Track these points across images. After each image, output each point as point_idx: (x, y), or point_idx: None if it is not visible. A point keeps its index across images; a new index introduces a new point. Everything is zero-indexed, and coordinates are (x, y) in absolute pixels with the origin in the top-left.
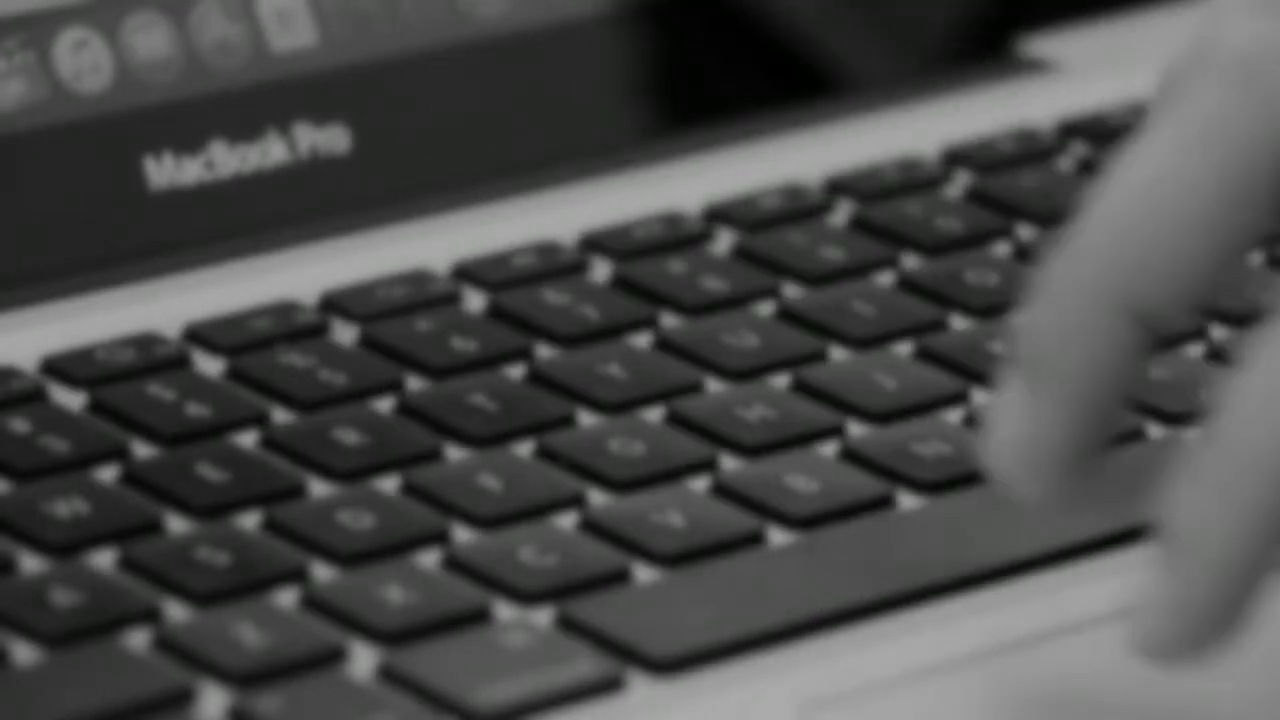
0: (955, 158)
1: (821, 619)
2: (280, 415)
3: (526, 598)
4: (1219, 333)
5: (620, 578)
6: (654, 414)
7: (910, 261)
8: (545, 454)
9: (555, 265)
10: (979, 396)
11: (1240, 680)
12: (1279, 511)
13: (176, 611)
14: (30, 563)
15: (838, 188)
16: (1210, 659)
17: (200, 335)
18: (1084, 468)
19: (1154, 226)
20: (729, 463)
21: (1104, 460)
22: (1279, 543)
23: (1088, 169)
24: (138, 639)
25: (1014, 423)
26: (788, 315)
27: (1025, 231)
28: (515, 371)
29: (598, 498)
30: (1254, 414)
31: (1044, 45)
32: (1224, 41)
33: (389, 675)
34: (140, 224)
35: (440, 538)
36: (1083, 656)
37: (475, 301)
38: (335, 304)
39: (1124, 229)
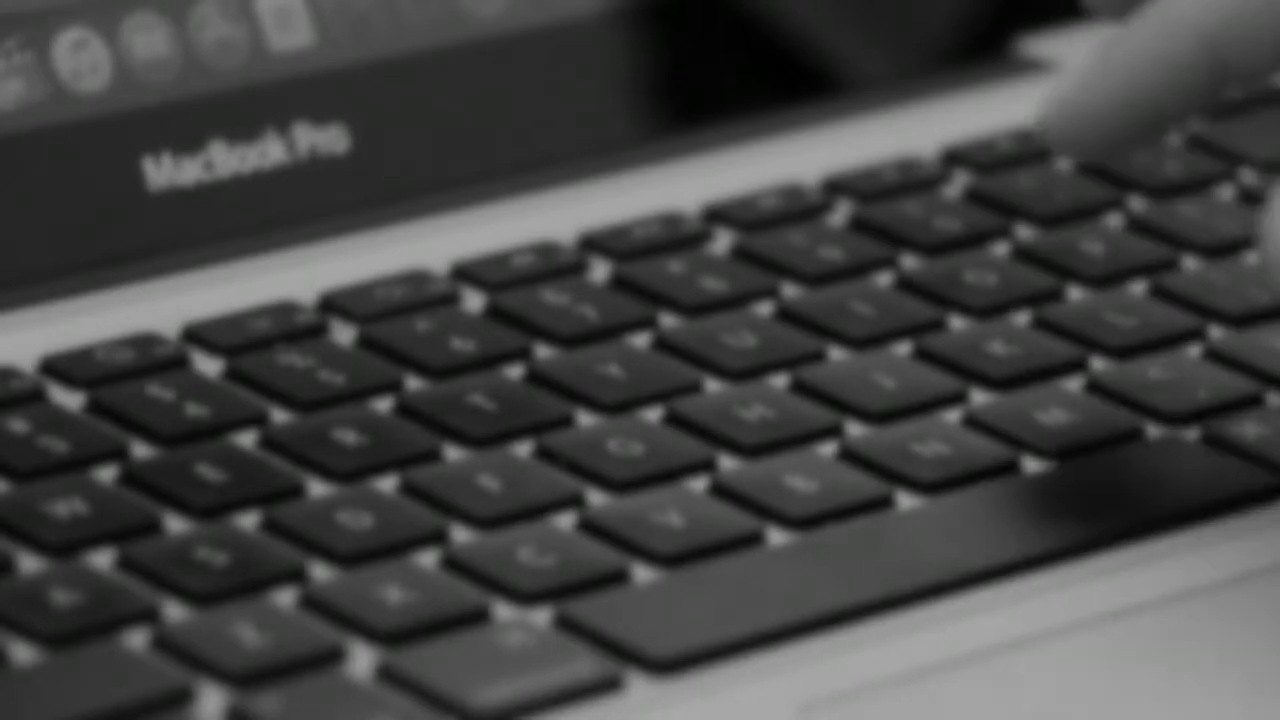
0: (954, 158)
1: (821, 619)
2: (279, 415)
3: (525, 598)
4: (1219, 333)
5: (619, 578)
6: (653, 414)
7: (909, 261)
8: (544, 454)
9: (554, 265)
10: (978, 396)
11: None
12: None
13: (175, 612)
14: (29, 563)
15: (837, 188)
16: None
17: (199, 335)
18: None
19: None
20: (728, 463)
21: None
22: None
23: (1087, 169)
24: (137, 639)
25: (1072, 87)
26: (786, 315)
27: (1024, 232)
28: (514, 372)
29: (597, 498)
30: None
31: (1043, 45)
32: None
33: (388, 675)
34: (139, 224)
35: (439, 538)
36: (1082, 656)
37: (474, 302)
38: (334, 304)
39: None
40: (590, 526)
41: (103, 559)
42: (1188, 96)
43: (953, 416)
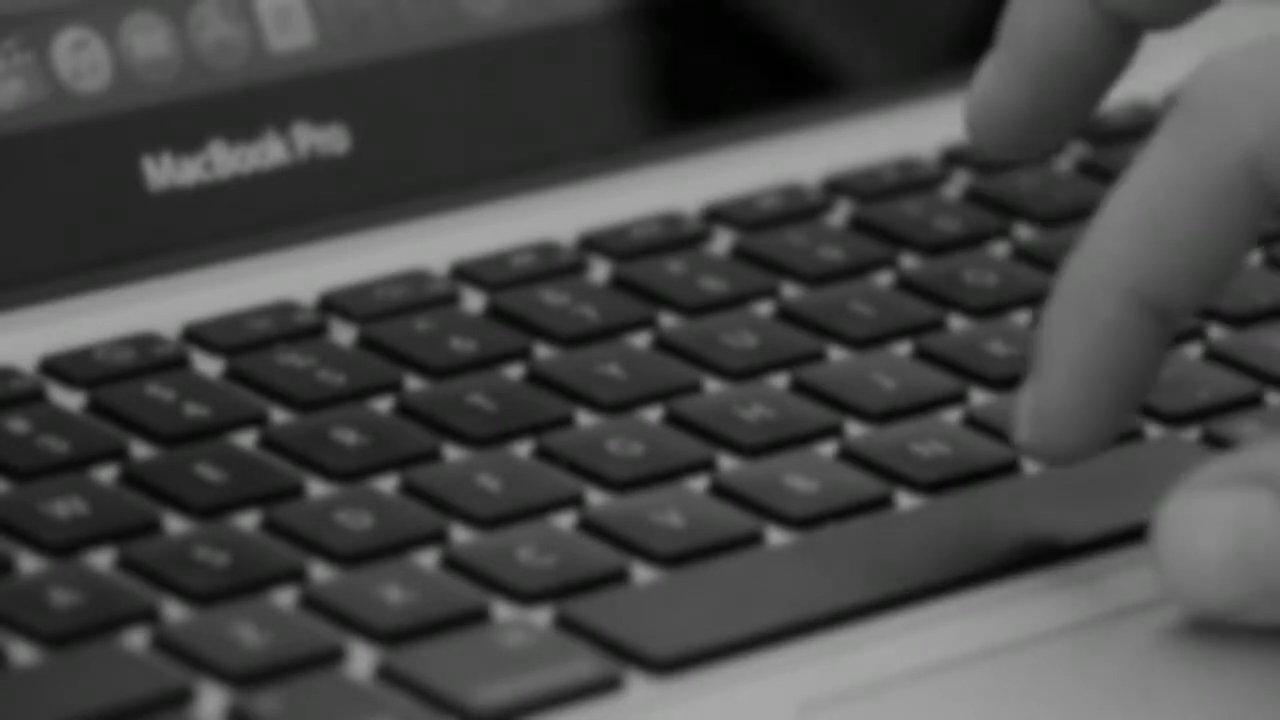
0: (954, 158)
1: (821, 619)
2: (279, 415)
3: (525, 598)
4: (1219, 333)
5: (619, 578)
6: (653, 414)
7: (909, 261)
8: (544, 454)
9: (554, 265)
10: (978, 396)
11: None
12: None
13: (175, 611)
14: (29, 563)
15: (836, 188)
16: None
17: (199, 335)
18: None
19: (1158, 220)
20: (728, 463)
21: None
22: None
23: (1087, 170)
24: (136, 639)
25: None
26: (786, 315)
27: (1023, 232)
28: (514, 372)
29: (596, 498)
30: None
31: None
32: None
33: (388, 675)
34: (139, 224)
35: (439, 538)
36: (1082, 656)
37: (474, 302)
38: (334, 304)
39: (1130, 224)
40: (590, 526)
41: (103, 559)
42: (1139, 361)
43: (953, 416)
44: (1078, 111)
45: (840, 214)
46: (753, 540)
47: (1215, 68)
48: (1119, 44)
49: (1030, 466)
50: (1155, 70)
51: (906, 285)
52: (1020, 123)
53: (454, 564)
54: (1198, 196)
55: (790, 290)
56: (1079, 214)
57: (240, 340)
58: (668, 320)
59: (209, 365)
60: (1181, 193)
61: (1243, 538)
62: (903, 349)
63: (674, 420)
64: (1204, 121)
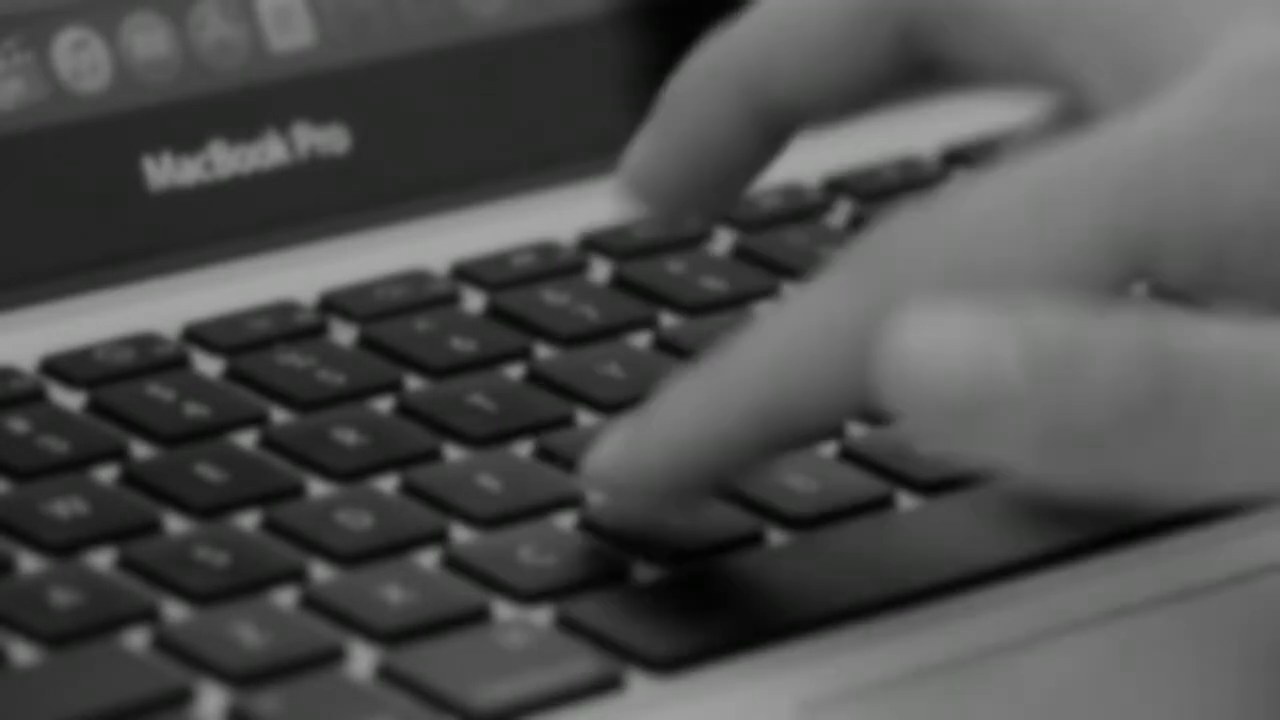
0: (954, 158)
1: (821, 619)
2: (279, 415)
3: (525, 598)
4: None
5: (619, 578)
6: None
7: None
8: (545, 454)
9: (554, 265)
10: None
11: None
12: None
13: (175, 611)
14: (29, 563)
15: (837, 187)
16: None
17: (199, 335)
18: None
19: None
20: None
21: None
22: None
23: None
24: (137, 639)
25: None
26: None
27: None
28: (514, 371)
29: (597, 497)
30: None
31: None
32: None
33: (388, 675)
34: (140, 224)
35: (439, 538)
36: (1082, 656)
37: (474, 301)
38: (334, 304)
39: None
40: (591, 526)
41: (103, 559)
42: (740, 458)
43: None
44: (728, 193)
45: (840, 214)
46: (753, 540)
47: (886, 228)
48: (772, 139)
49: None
50: None
51: None
52: (670, 195)
53: (454, 564)
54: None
55: (791, 290)
56: None
57: (240, 340)
58: (668, 320)
59: (209, 365)
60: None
61: (989, 345)
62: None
63: None
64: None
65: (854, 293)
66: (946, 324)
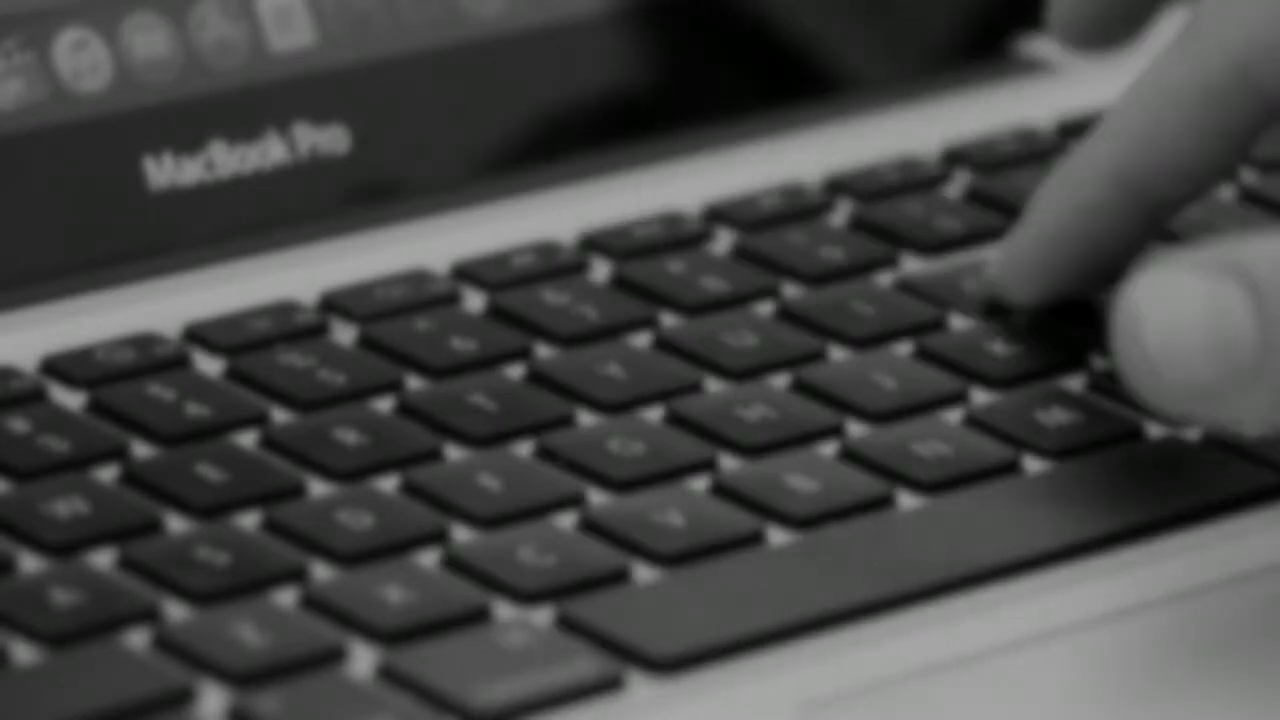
0: (955, 158)
1: (821, 619)
2: (279, 415)
3: (525, 598)
4: None
5: (620, 578)
6: (653, 414)
7: (910, 261)
8: (545, 454)
9: (555, 265)
10: (978, 396)
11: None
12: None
13: (176, 611)
14: (30, 563)
15: (837, 187)
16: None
17: (200, 335)
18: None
19: (1145, 117)
20: (728, 462)
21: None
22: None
23: None
24: (137, 639)
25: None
26: (787, 315)
27: None
28: (515, 371)
29: (597, 497)
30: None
31: (1043, 45)
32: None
33: (389, 675)
34: (140, 224)
35: (440, 537)
36: (1082, 656)
37: (475, 301)
38: (335, 304)
39: (1129, 121)
40: (591, 526)
41: (103, 559)
42: (1118, 238)
43: (953, 416)
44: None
45: (841, 213)
46: (753, 540)
47: None
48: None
49: (1031, 465)
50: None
51: (907, 285)
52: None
53: (454, 564)
54: (1185, 99)
55: (791, 290)
56: None
57: (241, 340)
58: (668, 320)
59: (209, 365)
60: (1170, 94)
61: (1220, 321)
62: (903, 349)
63: (675, 420)
64: (1199, 29)
65: (1185, 56)
66: (1181, 291)
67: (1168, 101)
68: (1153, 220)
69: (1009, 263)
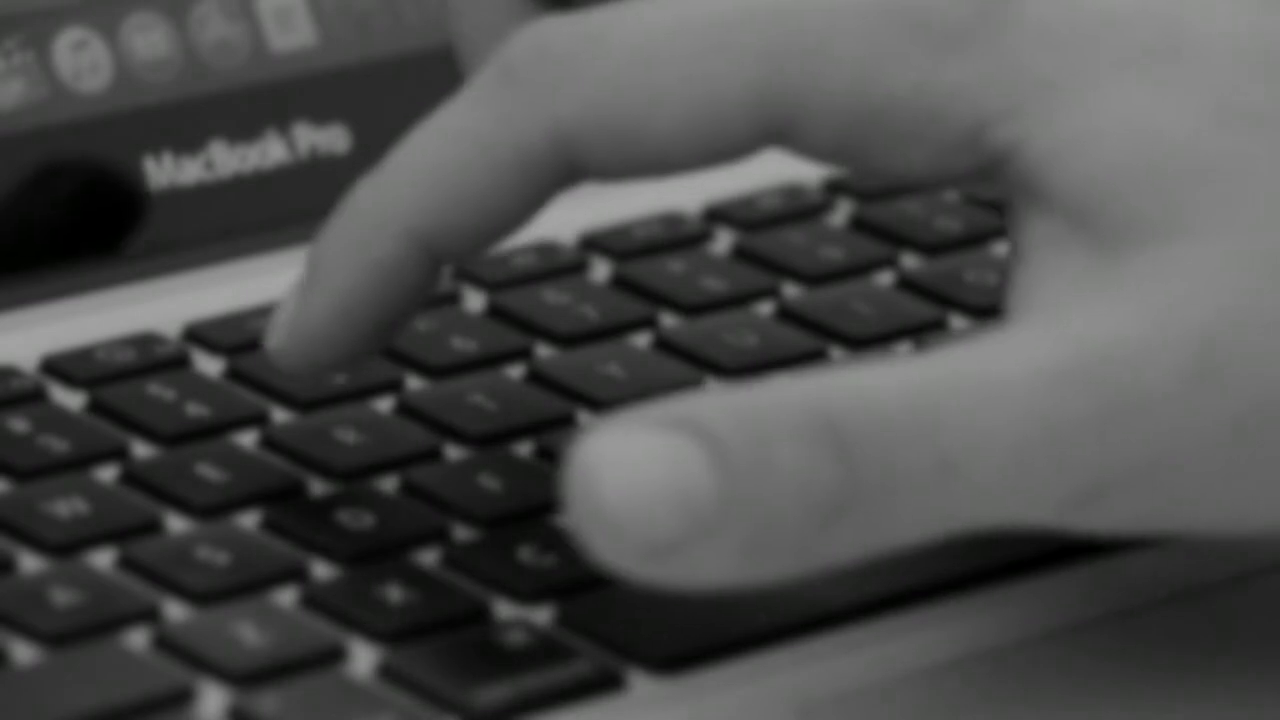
0: None
1: (821, 619)
2: (279, 415)
3: (525, 597)
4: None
5: (620, 578)
6: None
7: (909, 261)
8: (545, 454)
9: (555, 265)
10: None
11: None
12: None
13: (176, 611)
14: (30, 562)
15: (837, 187)
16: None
17: (200, 335)
18: (348, 358)
19: (450, 171)
20: None
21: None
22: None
23: None
24: (137, 638)
25: (291, 311)
26: (787, 315)
27: None
28: (514, 371)
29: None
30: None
31: None
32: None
33: (389, 675)
34: (140, 224)
35: (439, 537)
36: (1081, 656)
37: (475, 301)
38: None
39: (432, 173)
40: None
41: (103, 559)
42: (410, 294)
43: None
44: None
45: (841, 214)
46: None
47: (541, 39)
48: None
49: None
50: None
51: (907, 285)
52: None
53: (454, 563)
54: (495, 160)
55: (790, 290)
56: None
57: (241, 340)
58: (668, 320)
59: (210, 365)
60: (478, 151)
61: (680, 474)
62: (903, 349)
63: None
64: (518, 89)
65: (503, 102)
66: (636, 449)
67: (479, 158)
68: (437, 273)
69: (297, 329)
